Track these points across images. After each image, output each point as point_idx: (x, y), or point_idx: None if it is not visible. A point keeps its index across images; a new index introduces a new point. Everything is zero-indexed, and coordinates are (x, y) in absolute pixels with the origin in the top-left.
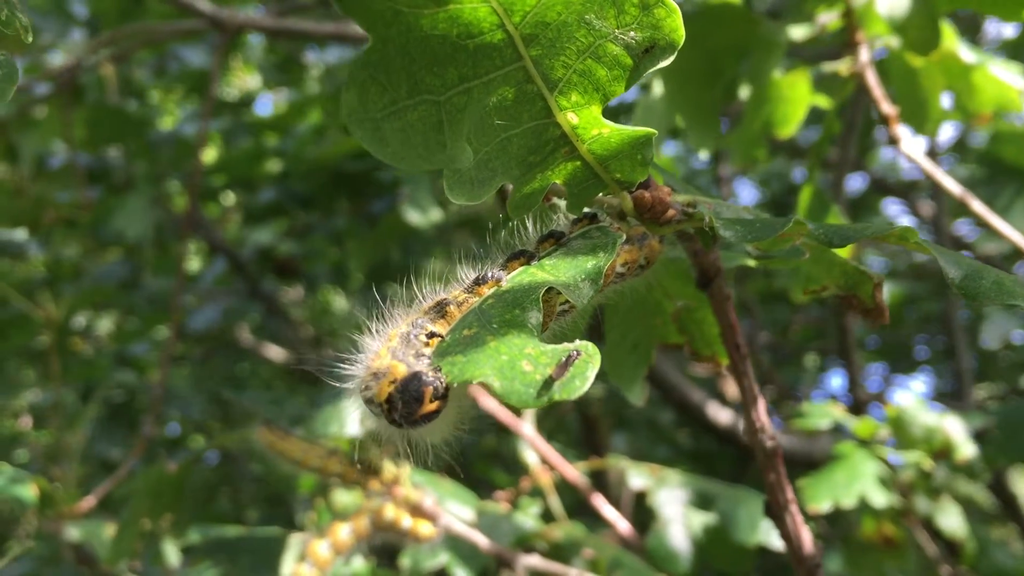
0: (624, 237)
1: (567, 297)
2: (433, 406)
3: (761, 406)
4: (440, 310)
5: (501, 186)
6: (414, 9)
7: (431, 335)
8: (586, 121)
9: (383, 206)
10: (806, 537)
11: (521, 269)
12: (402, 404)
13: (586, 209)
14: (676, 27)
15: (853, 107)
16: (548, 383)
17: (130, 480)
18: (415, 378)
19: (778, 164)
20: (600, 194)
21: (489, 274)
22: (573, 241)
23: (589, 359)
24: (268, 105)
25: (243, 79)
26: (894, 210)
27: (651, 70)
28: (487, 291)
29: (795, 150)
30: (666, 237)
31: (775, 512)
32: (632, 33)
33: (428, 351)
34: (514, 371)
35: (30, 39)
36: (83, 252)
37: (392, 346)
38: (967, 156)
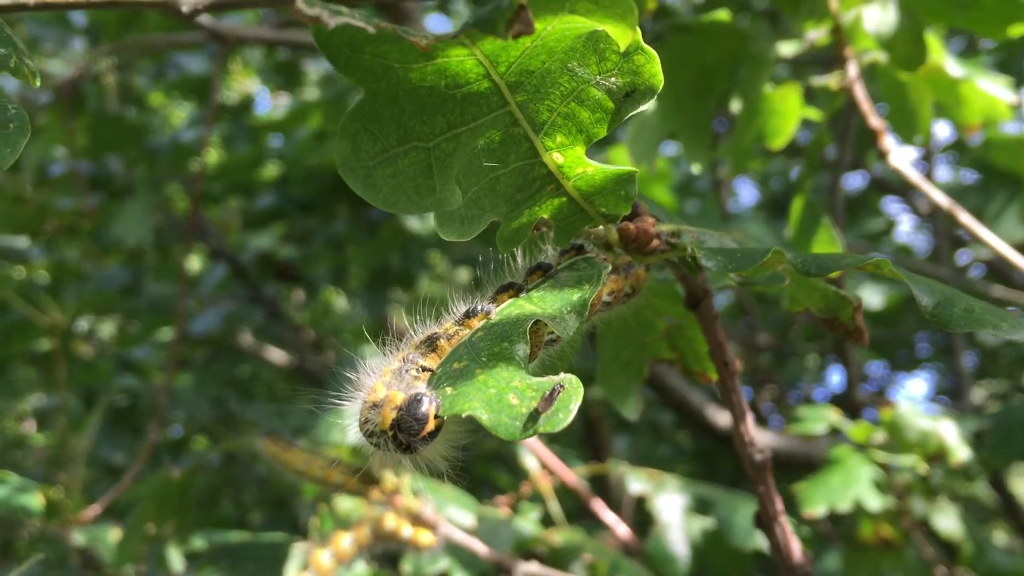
0: (610, 267)
1: (553, 329)
2: (436, 422)
3: (750, 420)
4: (431, 344)
5: None
6: (404, 64)
7: (422, 369)
8: (571, 160)
9: (382, 211)
10: (795, 547)
11: (510, 302)
12: (407, 425)
13: (574, 241)
14: (655, 72)
15: (848, 111)
16: (534, 415)
17: (135, 486)
18: (416, 399)
19: (777, 163)
20: (587, 226)
21: (479, 307)
22: (560, 273)
23: (572, 392)
24: (267, 104)
25: (242, 83)
26: (894, 209)
27: (632, 113)
28: (477, 324)
29: (794, 150)
30: (653, 264)
31: (765, 523)
32: (613, 79)
33: (419, 384)
34: (501, 404)
35: (38, 84)
36: (84, 257)
37: (386, 381)
38: (965, 156)
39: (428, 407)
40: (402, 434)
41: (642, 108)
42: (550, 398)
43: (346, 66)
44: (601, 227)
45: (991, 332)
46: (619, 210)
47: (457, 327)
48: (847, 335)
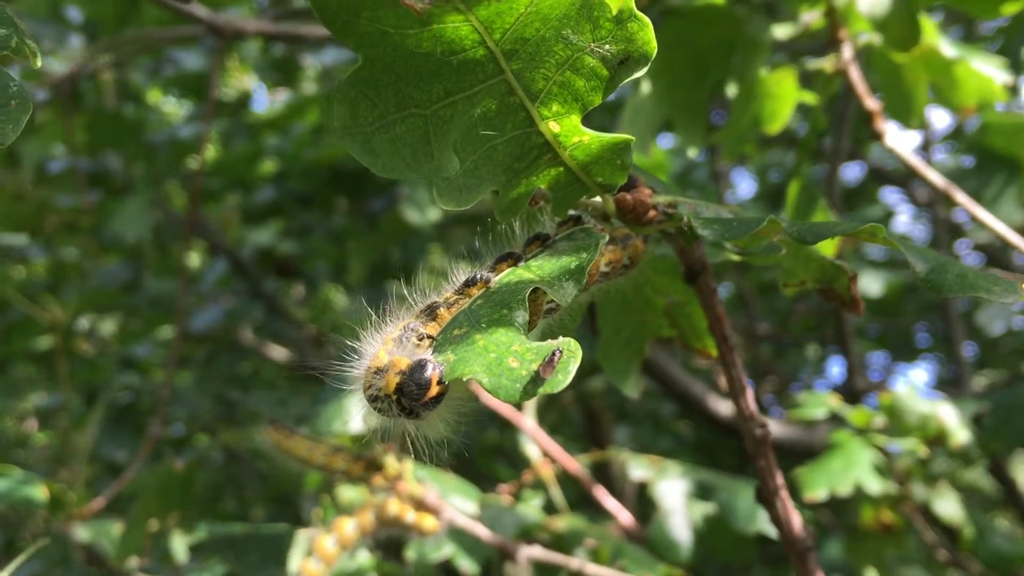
0: (607, 238)
1: (551, 296)
2: (439, 388)
3: (749, 395)
4: (431, 313)
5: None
6: (400, 30)
7: (422, 337)
8: (567, 129)
9: (382, 205)
10: (796, 521)
11: (508, 270)
12: (410, 389)
13: (571, 211)
14: (648, 39)
15: (845, 99)
16: (534, 379)
17: (137, 480)
18: (420, 364)
19: (775, 154)
20: (584, 197)
21: (478, 276)
22: (558, 243)
23: (572, 355)
24: (263, 100)
25: (240, 79)
26: (892, 198)
27: (627, 80)
28: (476, 292)
29: (792, 140)
30: (651, 236)
31: (766, 498)
32: (607, 46)
33: (421, 351)
34: (501, 367)
35: (39, 64)
36: (84, 254)
37: (388, 348)
38: (963, 143)
39: (432, 372)
40: (405, 398)
41: (637, 75)
42: (550, 361)
43: (343, 31)
44: (598, 198)
45: (984, 296)
46: (616, 180)
47: (457, 296)
48: (843, 305)
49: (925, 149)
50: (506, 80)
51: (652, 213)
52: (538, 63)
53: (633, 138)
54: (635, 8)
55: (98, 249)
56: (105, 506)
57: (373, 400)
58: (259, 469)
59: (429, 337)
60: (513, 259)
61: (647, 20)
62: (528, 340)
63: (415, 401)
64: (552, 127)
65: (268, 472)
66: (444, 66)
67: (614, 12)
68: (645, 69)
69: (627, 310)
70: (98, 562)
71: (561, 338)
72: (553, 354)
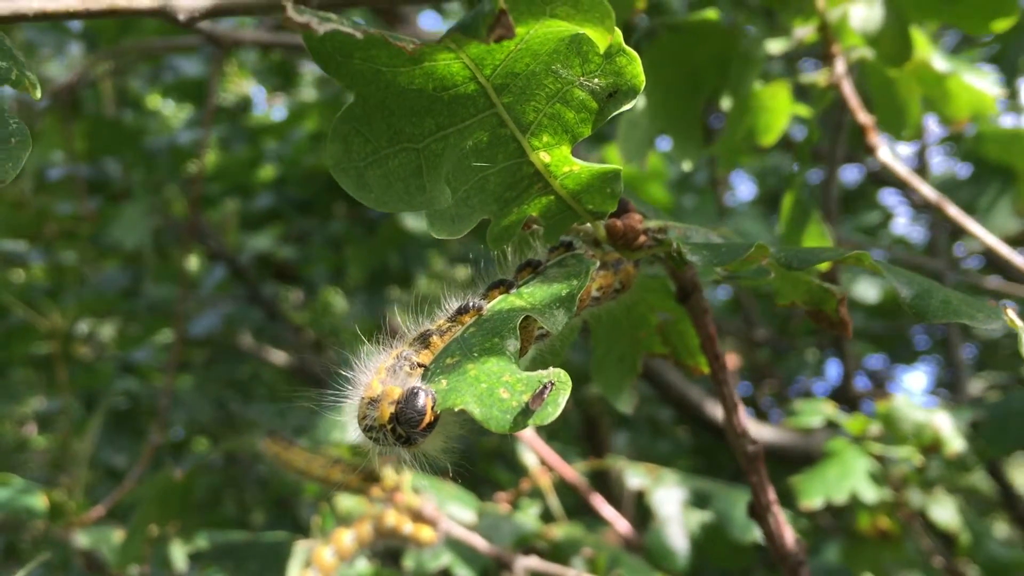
0: (598, 264)
1: (541, 324)
2: (433, 414)
3: (741, 411)
4: (424, 341)
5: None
6: (392, 68)
7: (416, 365)
8: (557, 159)
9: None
10: (788, 536)
11: (500, 297)
12: (406, 418)
13: (563, 238)
14: (637, 73)
15: (841, 107)
16: (524, 409)
17: (137, 487)
18: (413, 392)
19: (774, 159)
20: (575, 223)
21: (471, 303)
22: (549, 269)
23: (561, 387)
24: (262, 104)
25: (239, 84)
26: (891, 201)
27: (616, 112)
28: (469, 320)
29: (790, 146)
30: (643, 259)
31: (758, 513)
32: (596, 79)
33: (414, 380)
34: (492, 398)
35: (39, 96)
36: (83, 260)
37: (381, 378)
38: (960, 149)
39: (425, 400)
40: (401, 427)
41: (625, 108)
42: (540, 393)
43: (336, 71)
44: (589, 224)
45: (967, 322)
46: (606, 207)
47: (450, 324)
48: (831, 327)
49: (921, 154)
50: (497, 113)
51: (642, 239)
52: (528, 96)
53: (622, 168)
54: (623, 43)
55: (97, 254)
56: (105, 513)
57: (368, 430)
58: (259, 473)
59: (422, 366)
60: (505, 286)
61: (635, 54)
62: (519, 370)
63: (412, 429)
64: (543, 157)
65: (268, 476)
66: (436, 101)
67: (603, 47)
68: (634, 102)
69: (620, 328)
70: (98, 569)
71: (552, 369)
72: (544, 386)
